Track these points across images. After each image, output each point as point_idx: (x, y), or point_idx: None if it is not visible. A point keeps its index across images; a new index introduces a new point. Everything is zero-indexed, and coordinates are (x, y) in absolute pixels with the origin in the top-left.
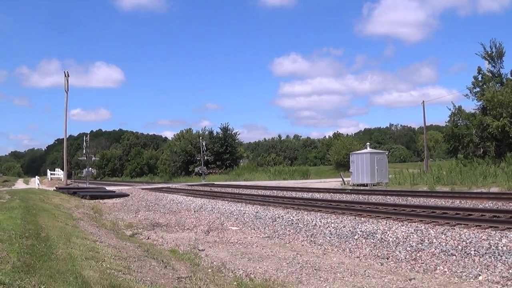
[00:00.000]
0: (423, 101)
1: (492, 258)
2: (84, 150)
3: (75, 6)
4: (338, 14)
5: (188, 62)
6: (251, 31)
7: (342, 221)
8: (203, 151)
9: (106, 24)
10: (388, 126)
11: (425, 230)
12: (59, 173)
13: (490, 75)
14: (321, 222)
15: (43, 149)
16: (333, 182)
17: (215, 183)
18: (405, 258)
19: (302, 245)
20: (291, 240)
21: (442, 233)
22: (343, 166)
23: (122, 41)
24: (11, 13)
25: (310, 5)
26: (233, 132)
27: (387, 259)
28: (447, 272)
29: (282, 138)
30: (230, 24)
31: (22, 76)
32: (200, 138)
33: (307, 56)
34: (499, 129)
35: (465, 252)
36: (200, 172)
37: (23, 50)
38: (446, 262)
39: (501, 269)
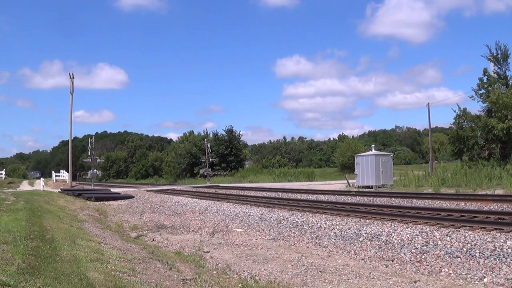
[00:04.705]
0: (428, 103)
1: (497, 260)
2: (89, 152)
3: (77, 7)
4: (341, 14)
5: (191, 63)
6: (253, 32)
7: (347, 223)
8: (208, 153)
9: (108, 25)
10: (393, 128)
11: (430, 232)
12: (64, 175)
13: (496, 76)
14: (326, 224)
15: (48, 151)
16: (338, 184)
17: (220, 185)
18: (410, 260)
19: (307, 247)
20: (296, 242)
21: (447, 235)
22: (348, 168)
23: (125, 42)
24: (12, 14)
25: (313, 6)
26: (237, 134)
27: (392, 261)
28: (452, 274)
29: (286, 140)
30: (233, 25)
31: (24, 77)
32: (205, 140)
33: (310, 57)
34: (504, 131)
35: (470, 254)
36: (205, 174)
37: (25, 51)
38: (451, 264)
39: (506, 271)
